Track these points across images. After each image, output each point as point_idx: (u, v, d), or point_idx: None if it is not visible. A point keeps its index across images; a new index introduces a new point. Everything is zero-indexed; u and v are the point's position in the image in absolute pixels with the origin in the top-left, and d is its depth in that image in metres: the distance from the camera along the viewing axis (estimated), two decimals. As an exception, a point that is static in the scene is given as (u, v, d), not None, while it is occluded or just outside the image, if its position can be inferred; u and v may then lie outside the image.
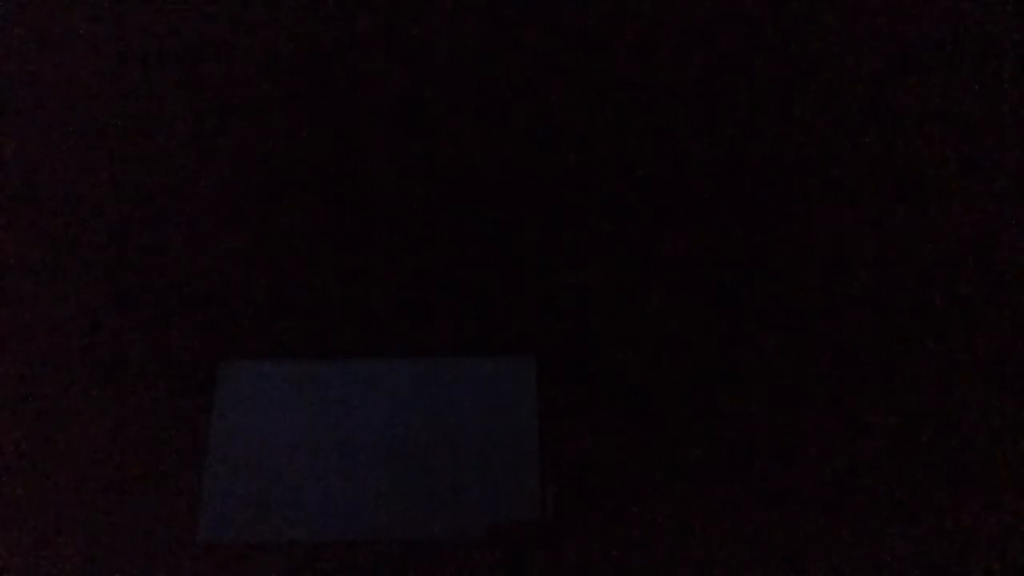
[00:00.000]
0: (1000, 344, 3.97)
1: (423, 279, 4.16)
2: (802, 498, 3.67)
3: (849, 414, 3.84)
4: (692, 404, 3.88)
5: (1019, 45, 4.60)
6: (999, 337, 3.98)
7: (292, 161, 4.42)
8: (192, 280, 4.09)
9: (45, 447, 3.68)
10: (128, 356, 3.90)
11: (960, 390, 3.87)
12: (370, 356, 4.10)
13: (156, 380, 3.86)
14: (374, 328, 4.07)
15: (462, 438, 3.92)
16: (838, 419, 3.83)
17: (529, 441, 3.92)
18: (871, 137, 4.45)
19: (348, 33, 4.65)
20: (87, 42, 4.55)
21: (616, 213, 4.32)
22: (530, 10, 4.72)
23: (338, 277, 4.17)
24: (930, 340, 3.98)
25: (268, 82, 4.53)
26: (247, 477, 3.80)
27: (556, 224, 4.27)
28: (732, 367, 3.94)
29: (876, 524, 3.61)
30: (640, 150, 4.47)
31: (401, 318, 4.10)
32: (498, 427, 3.95)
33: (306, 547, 3.63)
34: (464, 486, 3.82)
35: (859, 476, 3.70)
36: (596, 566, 3.53)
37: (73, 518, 3.54)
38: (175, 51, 4.55)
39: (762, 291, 4.11)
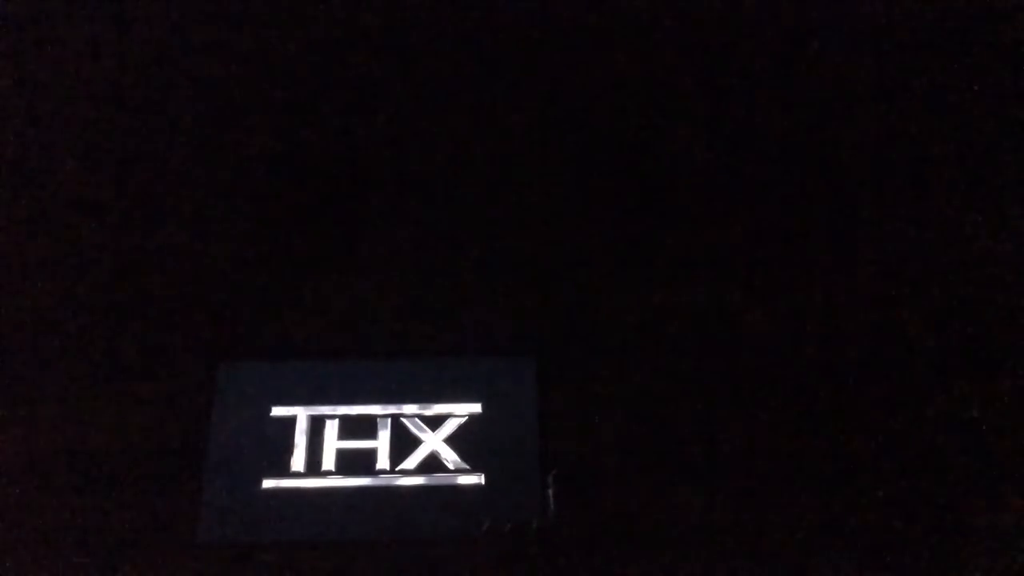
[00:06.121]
0: (1000, 344, 3.97)
1: (423, 279, 4.16)
2: (803, 498, 3.67)
3: (850, 415, 3.84)
4: (692, 404, 3.88)
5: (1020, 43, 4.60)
6: (999, 337, 3.98)
7: (292, 161, 4.42)
8: (192, 280, 4.10)
9: (45, 447, 3.68)
10: (128, 356, 3.91)
11: (959, 389, 3.87)
12: (370, 356, 4.10)
13: (156, 380, 3.87)
14: (374, 328, 4.08)
15: (462, 438, 3.93)
16: (839, 420, 3.83)
17: (529, 441, 3.92)
18: (872, 136, 4.46)
19: (349, 32, 4.65)
20: (87, 42, 4.55)
21: (616, 213, 4.32)
22: (530, 10, 4.72)
23: (338, 277, 4.17)
24: (931, 340, 3.98)
25: (268, 82, 4.54)
26: (247, 477, 3.80)
27: (556, 224, 4.27)
28: (733, 367, 3.95)
29: (878, 525, 3.61)
30: (640, 150, 4.47)
31: (401, 318, 4.10)
32: (498, 427, 3.96)
33: (306, 547, 3.64)
34: (464, 486, 3.82)
35: (860, 477, 3.70)
36: (596, 566, 3.53)
37: (72, 518, 3.54)
38: (175, 51, 4.55)
39: (763, 291, 4.11)
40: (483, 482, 3.83)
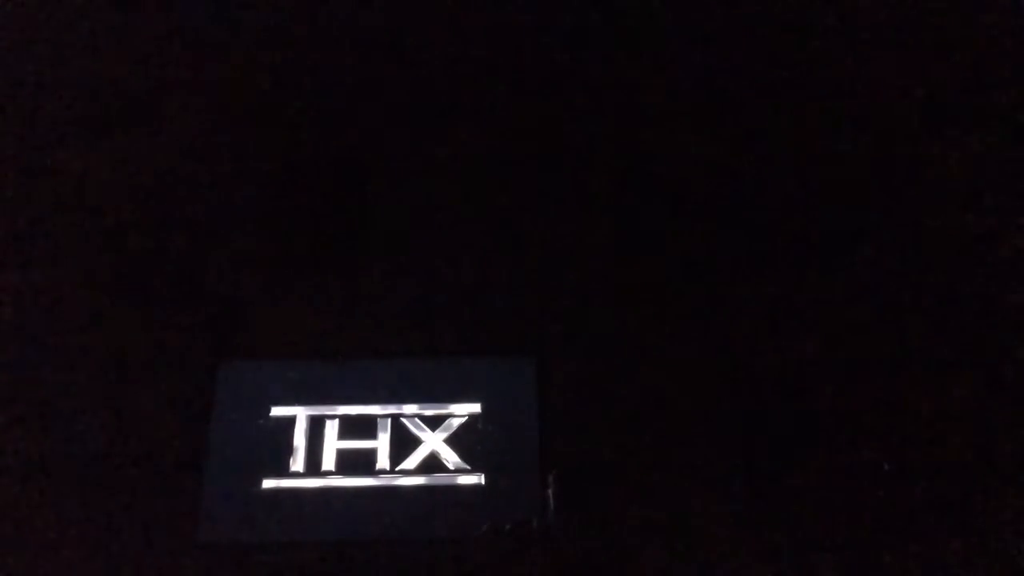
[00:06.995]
0: (1000, 345, 3.97)
1: (423, 279, 4.16)
2: (803, 498, 3.67)
3: (851, 415, 3.84)
4: (692, 404, 3.88)
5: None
6: (999, 337, 3.98)
7: (293, 160, 4.42)
8: (192, 280, 4.10)
9: (45, 447, 3.68)
10: (128, 356, 3.91)
11: (959, 390, 3.87)
12: (370, 356, 4.10)
13: (156, 380, 3.86)
14: (374, 328, 4.08)
15: (462, 438, 3.92)
16: (840, 419, 3.83)
17: (529, 441, 3.92)
18: (871, 138, 4.46)
19: (349, 32, 4.65)
20: (86, 39, 4.55)
21: (617, 213, 4.32)
22: (530, 10, 4.72)
23: (339, 277, 4.17)
24: (930, 340, 3.98)
25: (268, 82, 4.54)
26: (247, 477, 3.80)
27: (556, 224, 4.27)
28: (733, 367, 3.94)
29: (878, 526, 3.61)
30: (641, 149, 4.47)
31: (401, 318, 4.10)
32: (498, 427, 3.96)
33: (306, 547, 3.64)
34: (464, 486, 3.82)
35: (861, 478, 3.70)
36: (596, 566, 3.53)
37: (73, 518, 3.54)
38: (174, 49, 4.55)
39: (763, 291, 4.11)
40: (483, 482, 3.83)
